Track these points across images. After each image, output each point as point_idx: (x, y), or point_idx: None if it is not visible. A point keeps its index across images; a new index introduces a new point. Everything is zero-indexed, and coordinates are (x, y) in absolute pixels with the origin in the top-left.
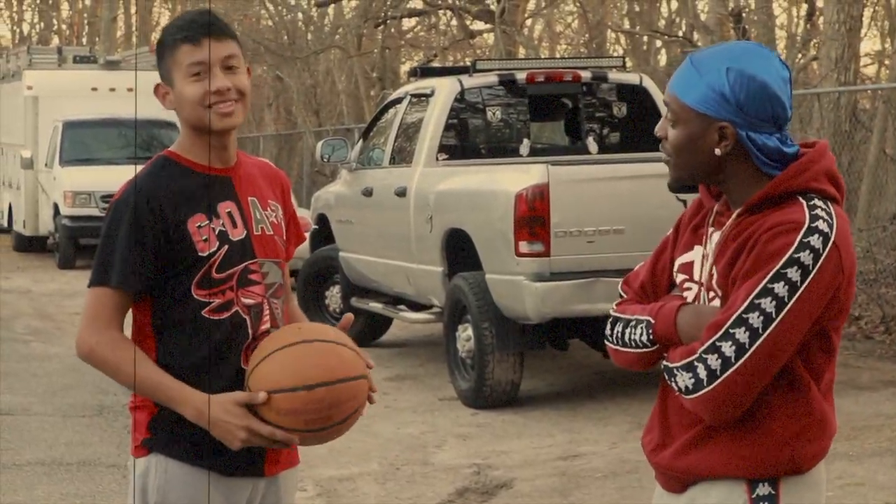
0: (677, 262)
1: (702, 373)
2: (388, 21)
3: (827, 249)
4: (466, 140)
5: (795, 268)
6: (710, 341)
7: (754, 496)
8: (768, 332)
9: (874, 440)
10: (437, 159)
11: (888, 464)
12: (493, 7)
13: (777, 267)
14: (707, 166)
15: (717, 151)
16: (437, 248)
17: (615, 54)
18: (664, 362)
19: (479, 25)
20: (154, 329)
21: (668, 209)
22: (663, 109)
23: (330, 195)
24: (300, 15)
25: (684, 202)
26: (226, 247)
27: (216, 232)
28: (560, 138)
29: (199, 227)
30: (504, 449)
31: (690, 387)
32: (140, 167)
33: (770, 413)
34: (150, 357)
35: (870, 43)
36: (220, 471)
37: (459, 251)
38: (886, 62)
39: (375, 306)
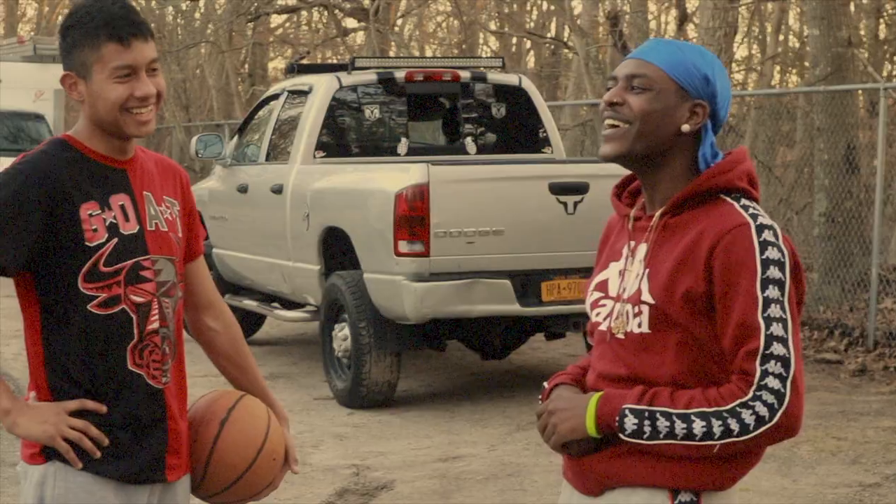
0: (594, 282)
1: (769, 398)
2: (260, 17)
3: (780, 238)
4: (344, 138)
5: (772, 267)
6: (761, 369)
7: (676, 502)
8: (790, 331)
9: None
10: (314, 157)
11: (771, 469)
12: (366, 4)
13: (758, 275)
14: (663, 142)
15: (685, 128)
16: (314, 246)
17: (485, 55)
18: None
19: (349, 24)
20: (42, 326)
21: (548, 211)
22: (543, 110)
23: (203, 191)
24: (170, 9)
25: (564, 204)
26: (115, 240)
27: (106, 223)
28: (438, 138)
29: (91, 215)
30: (382, 450)
31: (766, 416)
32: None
33: None
34: (39, 355)
35: (740, 50)
36: (123, 479)
37: (336, 250)
38: (758, 68)
39: (249, 304)
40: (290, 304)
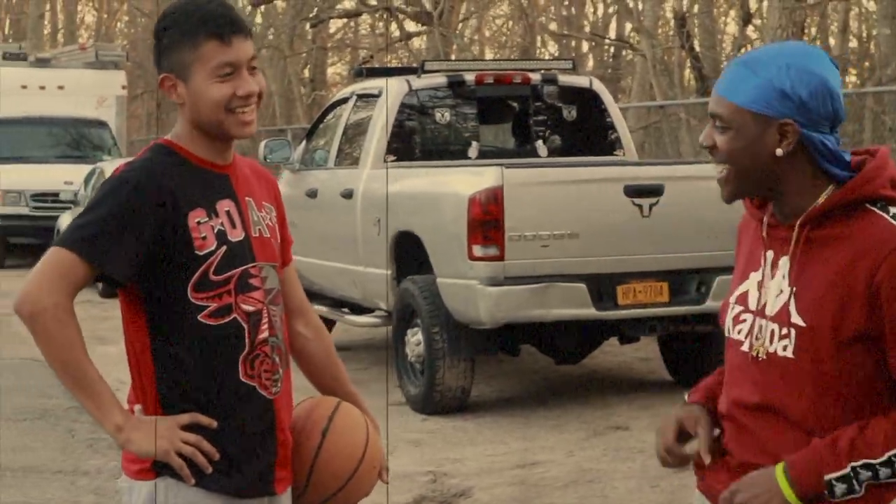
0: (736, 294)
1: None
2: (323, 21)
3: None
4: (414, 142)
5: None
6: None
7: None
8: None
9: None
10: (384, 161)
11: None
12: (428, 8)
13: None
14: (766, 172)
15: (779, 152)
16: (385, 251)
17: (546, 58)
18: None
19: (409, 27)
20: (151, 338)
21: (623, 214)
22: (614, 112)
23: None
24: None
25: (640, 207)
26: (224, 247)
27: (215, 231)
28: (509, 141)
29: (199, 223)
30: (458, 456)
31: None
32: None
33: None
34: (147, 369)
35: None
36: (235, 493)
37: (408, 254)
38: None
39: (320, 309)
40: (359, 310)
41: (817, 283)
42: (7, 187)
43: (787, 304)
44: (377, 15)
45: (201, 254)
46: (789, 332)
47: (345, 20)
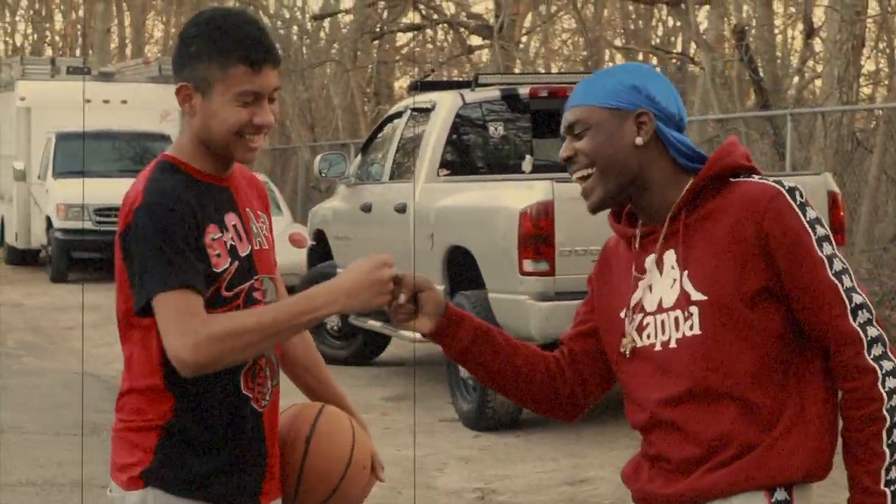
0: (631, 305)
1: (880, 349)
2: (385, 35)
3: (806, 195)
4: (468, 155)
5: (817, 226)
6: (859, 327)
7: (773, 501)
8: (853, 276)
9: None
10: (438, 175)
11: None
12: (490, 22)
13: (813, 238)
14: (629, 164)
15: (639, 140)
16: (438, 265)
17: None
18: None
19: (474, 41)
20: (163, 356)
21: None
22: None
23: (328, 211)
24: (295, 28)
25: None
26: (236, 263)
27: (227, 246)
28: None
29: (213, 239)
30: (508, 473)
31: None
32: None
33: (794, 426)
34: (159, 388)
35: (867, 64)
36: (223, 503)
37: (461, 269)
38: (887, 82)
39: (374, 324)
40: None
41: (707, 257)
42: (70, 201)
43: (682, 288)
44: (439, 28)
45: (218, 271)
46: (692, 311)
47: (410, 34)
